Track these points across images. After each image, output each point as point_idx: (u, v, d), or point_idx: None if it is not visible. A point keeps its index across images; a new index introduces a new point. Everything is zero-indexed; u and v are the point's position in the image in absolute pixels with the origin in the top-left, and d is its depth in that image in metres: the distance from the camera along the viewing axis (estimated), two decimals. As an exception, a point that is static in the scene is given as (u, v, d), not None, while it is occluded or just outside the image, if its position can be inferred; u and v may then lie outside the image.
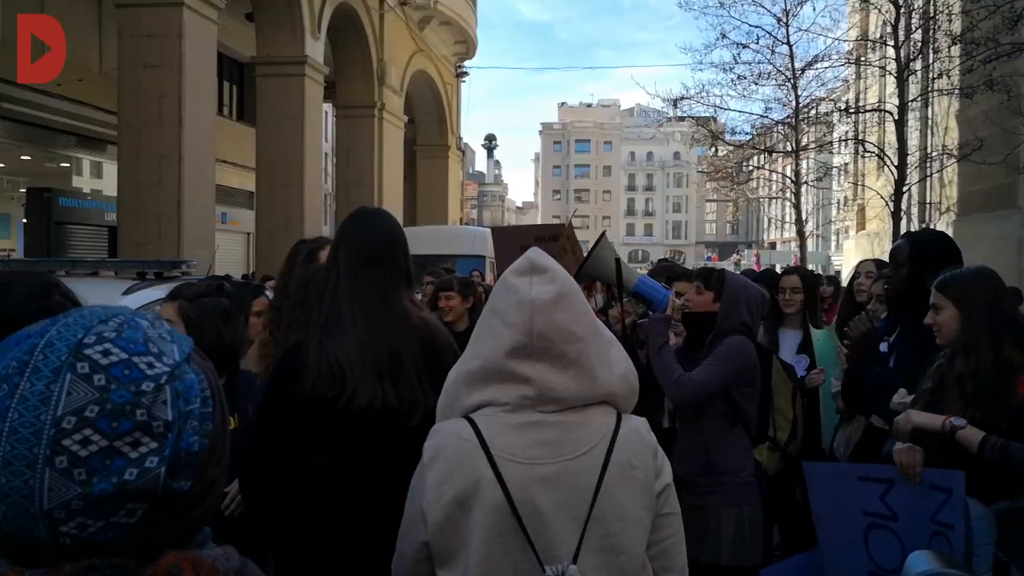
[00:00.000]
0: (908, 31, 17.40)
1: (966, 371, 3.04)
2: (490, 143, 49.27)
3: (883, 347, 4.15)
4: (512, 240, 8.48)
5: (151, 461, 0.98)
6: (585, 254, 4.50)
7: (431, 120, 28.51)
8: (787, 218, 33.33)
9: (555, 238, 8.17)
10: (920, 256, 3.95)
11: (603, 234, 4.51)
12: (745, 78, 20.52)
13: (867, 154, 20.35)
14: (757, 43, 20.28)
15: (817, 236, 44.96)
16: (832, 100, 22.48)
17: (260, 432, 2.61)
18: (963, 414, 2.98)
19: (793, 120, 21.00)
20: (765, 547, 4.07)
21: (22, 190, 17.68)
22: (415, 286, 2.87)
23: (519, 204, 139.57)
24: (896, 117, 17.31)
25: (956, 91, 16.99)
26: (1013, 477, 2.89)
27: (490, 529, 1.83)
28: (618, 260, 4.23)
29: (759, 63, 20.53)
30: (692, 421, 4.11)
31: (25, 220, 16.76)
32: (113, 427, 0.96)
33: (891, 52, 17.51)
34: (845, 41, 21.34)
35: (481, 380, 1.93)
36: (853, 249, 29.20)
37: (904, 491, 3.07)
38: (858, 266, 5.95)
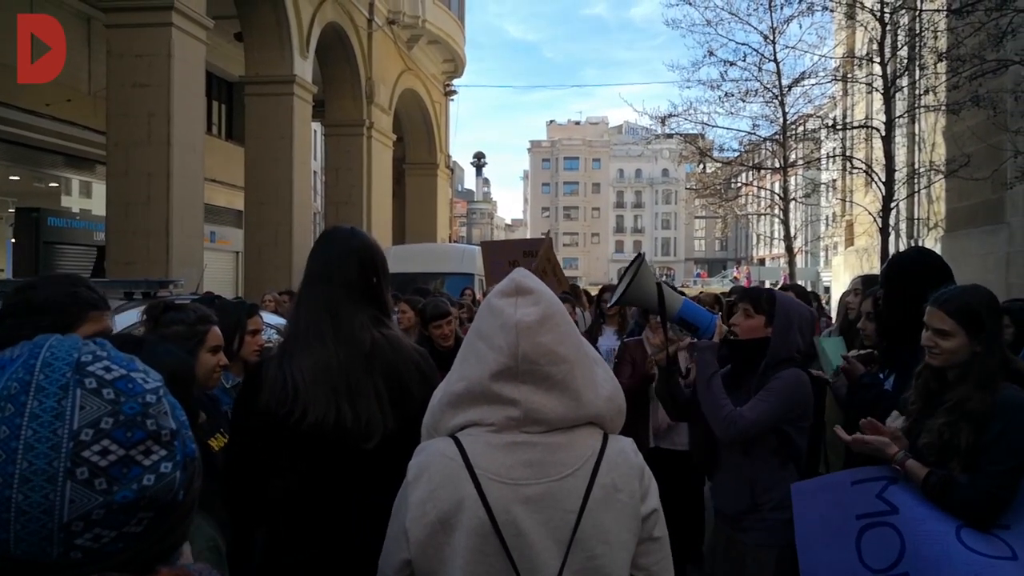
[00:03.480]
0: (894, 48, 17.49)
1: (982, 407, 2.96)
2: (479, 161, 49.17)
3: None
4: (501, 255, 8.54)
5: (165, 467, 1.04)
6: (610, 273, 4.32)
7: (420, 138, 28.55)
8: (776, 234, 33.44)
9: (538, 252, 8.19)
10: (892, 282, 3.97)
11: (640, 256, 4.12)
12: (733, 95, 20.60)
13: (855, 170, 20.36)
14: (744, 60, 20.38)
15: (806, 252, 45.07)
16: (819, 117, 22.57)
17: (227, 448, 2.69)
18: (962, 441, 2.96)
19: (781, 137, 21.05)
20: None
21: (11, 210, 17.58)
22: (388, 305, 2.84)
23: (508, 221, 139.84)
24: (883, 133, 17.35)
25: (942, 107, 17.05)
26: (951, 508, 2.92)
27: (473, 549, 1.82)
28: (660, 284, 3.92)
29: (746, 80, 20.65)
30: (739, 456, 3.85)
31: (13, 240, 16.66)
32: (128, 437, 1.01)
33: (877, 69, 17.58)
34: (832, 58, 21.44)
35: (467, 402, 1.92)
36: (842, 265, 29.25)
37: (902, 485, 3.09)
38: (850, 283, 5.95)
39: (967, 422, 2.97)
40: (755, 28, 20.59)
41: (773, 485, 3.77)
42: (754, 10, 20.19)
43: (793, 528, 3.58)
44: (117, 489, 0.99)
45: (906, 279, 3.84)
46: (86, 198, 19.64)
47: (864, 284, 5.55)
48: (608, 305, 6.91)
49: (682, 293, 5.79)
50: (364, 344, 2.58)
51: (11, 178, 17.76)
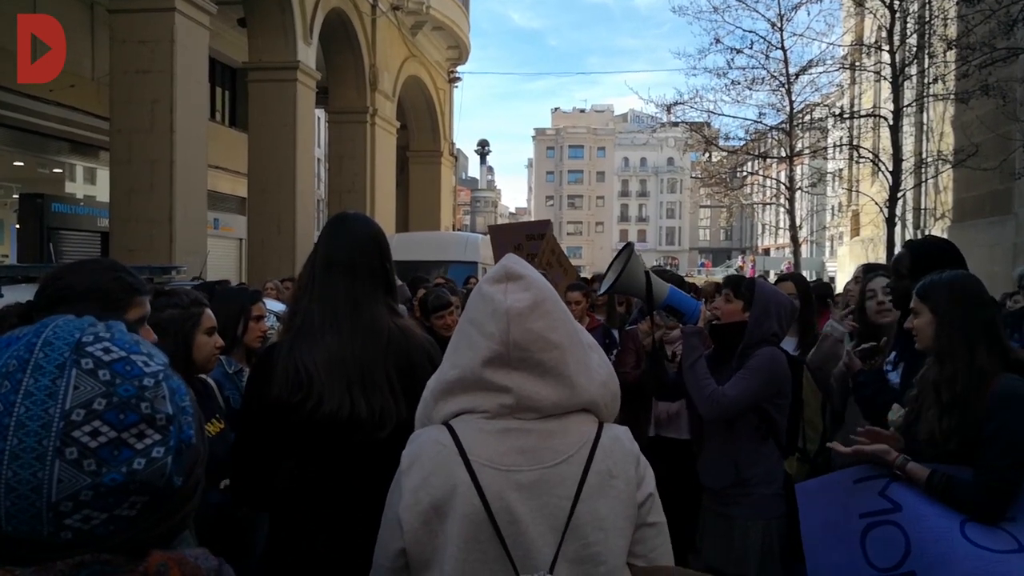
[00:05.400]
0: (903, 36, 17.41)
1: (941, 378, 3.05)
2: (483, 149, 49.00)
3: (892, 356, 4.09)
4: (507, 238, 8.54)
5: (157, 451, 1.03)
6: (609, 263, 4.38)
7: (424, 126, 28.51)
8: (781, 224, 33.36)
9: (542, 236, 8.23)
10: (919, 266, 3.89)
11: (630, 246, 4.37)
12: (739, 83, 20.62)
13: (861, 160, 20.35)
14: (751, 48, 20.38)
15: (811, 242, 45.02)
16: (827, 105, 22.50)
17: (237, 434, 2.65)
18: (939, 422, 3.00)
19: (787, 125, 21.01)
20: (793, 557, 3.96)
21: (15, 196, 17.59)
22: (398, 292, 2.82)
23: (512, 210, 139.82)
24: (891, 122, 17.31)
25: (951, 96, 17.01)
26: (958, 506, 2.91)
27: (466, 537, 1.79)
28: (648, 273, 4.15)
29: (753, 68, 20.66)
30: (722, 433, 4.04)
31: (18, 226, 16.68)
32: (120, 419, 1.01)
33: (886, 57, 17.53)
34: (840, 46, 21.38)
35: (460, 389, 1.91)
36: (847, 255, 29.24)
37: (904, 482, 3.07)
38: (855, 271, 5.91)
39: (936, 404, 3.04)
40: (762, 15, 20.61)
41: (756, 460, 3.97)
42: (762, -3, 20.13)
43: (778, 503, 3.93)
44: (106, 471, 0.98)
45: (922, 266, 3.77)
46: (90, 184, 19.64)
47: (864, 272, 5.50)
48: (598, 294, 6.95)
49: (682, 280, 5.77)
50: (383, 334, 2.57)
51: (15, 164, 17.78)
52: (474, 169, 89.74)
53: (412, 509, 1.83)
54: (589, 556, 1.82)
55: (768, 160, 23.78)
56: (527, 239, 8.33)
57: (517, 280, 1.90)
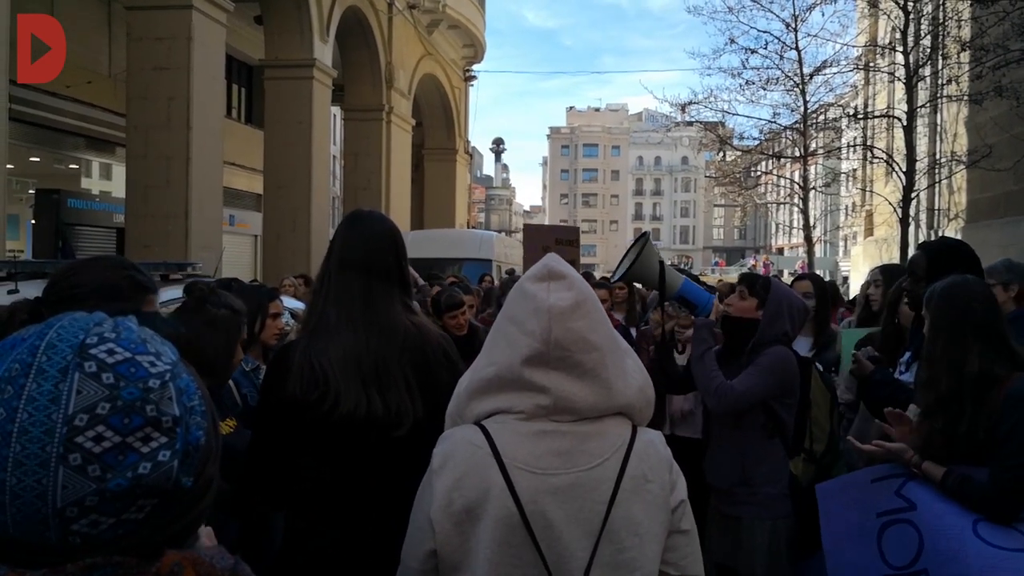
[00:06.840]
0: (917, 37, 17.34)
1: (922, 381, 3.10)
2: (498, 147, 48.97)
3: (906, 356, 4.12)
4: (537, 239, 8.65)
5: (163, 455, 0.99)
6: (620, 257, 4.39)
7: (439, 124, 28.50)
8: (795, 223, 33.24)
9: (570, 241, 8.33)
10: (935, 268, 3.90)
11: (646, 235, 4.33)
12: (753, 83, 20.54)
13: (875, 160, 20.27)
14: (766, 48, 20.30)
15: (825, 242, 44.83)
16: (841, 106, 22.40)
17: (253, 432, 2.64)
18: (922, 425, 3.05)
19: (801, 125, 20.92)
20: (799, 558, 3.98)
21: (31, 191, 17.65)
22: (412, 290, 2.83)
23: (527, 208, 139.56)
24: (905, 123, 17.24)
25: (965, 97, 16.91)
26: (973, 506, 2.93)
27: (499, 540, 1.77)
28: (662, 263, 4.11)
29: (767, 68, 20.57)
30: (729, 431, 4.02)
31: (34, 221, 16.73)
32: (125, 423, 0.97)
33: (900, 58, 17.46)
34: (854, 47, 21.28)
35: (496, 388, 1.88)
36: (861, 255, 29.11)
37: (920, 480, 3.09)
38: (869, 274, 5.91)
39: (924, 408, 3.10)
40: (777, 16, 20.51)
41: (762, 459, 3.94)
42: (776, -3, 20.07)
43: (784, 502, 3.90)
44: (111, 476, 0.96)
45: (937, 268, 3.81)
46: (106, 180, 19.71)
47: (883, 274, 5.52)
48: (612, 280, 7.01)
49: (696, 278, 5.80)
50: (398, 332, 2.55)
51: (31, 159, 17.82)
52: (489, 167, 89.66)
53: (444, 511, 1.80)
54: (624, 561, 1.81)
55: (782, 160, 23.68)
56: (555, 243, 8.44)
57: (560, 279, 1.87)
